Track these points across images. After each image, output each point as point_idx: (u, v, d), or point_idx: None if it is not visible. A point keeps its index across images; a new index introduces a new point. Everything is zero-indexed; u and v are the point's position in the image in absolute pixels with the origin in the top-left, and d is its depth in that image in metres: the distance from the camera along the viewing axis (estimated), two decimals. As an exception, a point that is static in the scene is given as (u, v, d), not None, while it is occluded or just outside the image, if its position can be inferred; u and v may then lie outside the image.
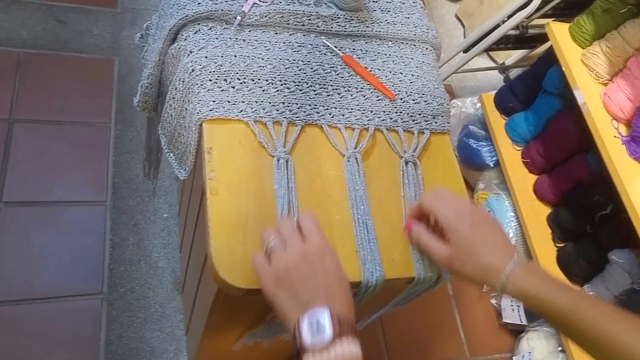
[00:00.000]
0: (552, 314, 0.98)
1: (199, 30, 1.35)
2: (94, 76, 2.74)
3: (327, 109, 1.34)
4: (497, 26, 2.70)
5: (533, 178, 2.77)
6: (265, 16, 1.39)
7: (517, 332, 2.66)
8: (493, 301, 2.76)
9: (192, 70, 1.27)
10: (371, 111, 1.37)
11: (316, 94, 1.34)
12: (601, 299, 0.97)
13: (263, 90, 1.30)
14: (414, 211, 1.21)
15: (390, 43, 1.52)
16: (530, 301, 1.00)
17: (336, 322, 0.89)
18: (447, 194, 1.15)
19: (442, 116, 1.46)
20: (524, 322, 2.57)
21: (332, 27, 1.45)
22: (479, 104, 3.05)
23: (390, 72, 1.45)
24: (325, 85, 1.36)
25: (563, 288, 0.99)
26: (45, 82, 2.64)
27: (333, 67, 1.39)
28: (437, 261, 1.13)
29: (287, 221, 1.04)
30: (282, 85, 1.32)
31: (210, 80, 1.26)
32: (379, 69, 1.44)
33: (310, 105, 1.32)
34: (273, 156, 1.23)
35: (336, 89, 1.37)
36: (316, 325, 0.89)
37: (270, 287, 0.97)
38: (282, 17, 1.40)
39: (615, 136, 2.17)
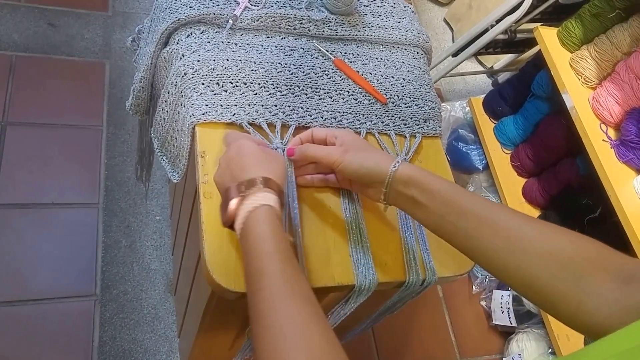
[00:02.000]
0: (436, 200, 1.00)
1: (191, 33, 1.35)
2: (85, 79, 2.75)
3: (320, 113, 1.34)
4: (485, 30, 2.71)
5: (522, 181, 2.78)
6: (257, 20, 1.40)
7: (506, 333, 2.67)
8: (483, 303, 2.77)
9: (185, 74, 1.28)
10: (363, 115, 1.38)
11: (308, 98, 1.35)
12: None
13: (255, 94, 1.30)
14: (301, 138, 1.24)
15: (381, 47, 1.53)
16: (415, 186, 1.03)
17: (258, 181, 1.00)
18: None
19: (434, 120, 1.47)
20: (514, 324, 2.58)
21: (323, 31, 1.46)
22: (468, 108, 3.07)
23: (382, 76, 1.46)
24: (317, 89, 1.37)
25: (443, 178, 1.04)
26: (37, 85, 2.64)
27: (325, 71, 1.40)
28: (331, 154, 1.13)
29: None
30: (274, 88, 1.32)
31: (203, 83, 1.27)
32: (370, 73, 1.45)
33: (302, 109, 1.33)
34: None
35: (328, 93, 1.37)
36: (246, 183, 1.00)
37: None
38: (273, 20, 1.41)
39: (604, 140, 2.18)
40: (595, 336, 0.80)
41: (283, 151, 1.23)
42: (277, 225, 0.95)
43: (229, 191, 1.00)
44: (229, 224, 1.00)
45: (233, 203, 0.98)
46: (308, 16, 1.43)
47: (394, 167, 1.04)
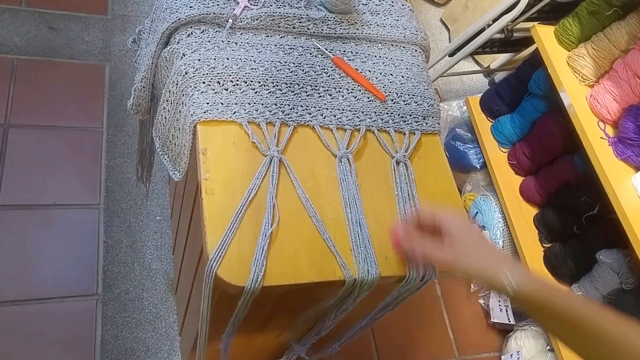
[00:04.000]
0: (557, 318, 0.98)
1: (192, 33, 1.37)
2: (85, 82, 2.76)
3: (319, 110, 1.35)
4: (482, 30, 2.72)
5: (519, 179, 2.78)
6: (257, 19, 1.41)
7: (505, 331, 2.68)
8: (481, 301, 2.78)
9: (186, 73, 1.29)
10: (362, 112, 1.39)
11: (308, 96, 1.36)
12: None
13: (255, 92, 1.31)
14: (409, 220, 1.22)
15: (380, 45, 1.54)
16: (535, 308, 1.02)
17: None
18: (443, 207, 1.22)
19: (433, 117, 1.48)
20: (512, 322, 2.59)
21: (322, 30, 1.47)
22: (465, 107, 3.07)
23: (381, 74, 1.47)
24: (316, 86, 1.38)
25: (560, 288, 1.01)
26: (38, 88, 2.65)
27: (324, 69, 1.41)
28: (440, 260, 1.14)
29: None
30: (274, 87, 1.34)
31: (204, 82, 1.28)
32: (369, 71, 1.46)
33: (302, 107, 1.34)
34: (265, 155, 1.24)
35: (327, 91, 1.38)
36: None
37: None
38: (273, 20, 1.42)
39: (601, 137, 2.19)
40: None
41: (279, 160, 1.25)
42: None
43: None
44: None
45: None
46: (307, 15, 1.45)
47: (510, 287, 1.02)
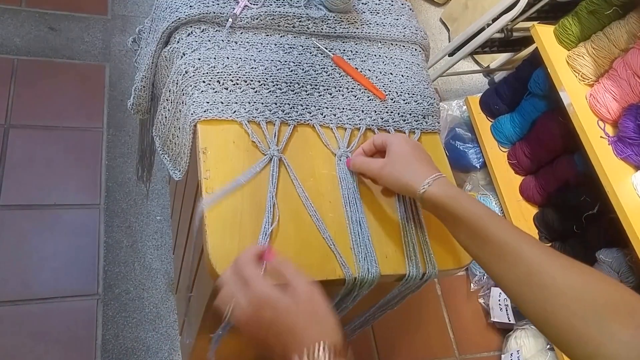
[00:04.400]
0: (462, 224, 1.03)
1: (192, 32, 1.37)
2: (85, 82, 2.76)
3: (319, 109, 1.36)
4: (481, 30, 2.72)
5: (519, 179, 2.79)
6: (257, 18, 1.41)
7: (505, 330, 2.68)
8: (481, 300, 2.78)
9: (186, 72, 1.29)
10: (362, 111, 1.39)
11: (308, 95, 1.36)
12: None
13: (255, 92, 1.31)
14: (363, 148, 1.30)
15: (379, 44, 1.54)
16: (442, 209, 1.07)
17: (332, 351, 0.87)
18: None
19: (432, 116, 1.48)
20: (512, 321, 2.59)
21: (322, 29, 1.47)
22: (464, 107, 3.08)
23: (381, 73, 1.47)
24: (316, 85, 1.38)
25: (477, 200, 1.06)
26: (38, 88, 2.66)
27: (324, 68, 1.41)
28: (371, 169, 1.22)
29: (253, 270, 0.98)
30: (274, 86, 1.34)
31: (204, 81, 1.28)
32: (369, 70, 1.47)
33: (302, 106, 1.34)
34: (265, 154, 1.24)
35: (327, 90, 1.39)
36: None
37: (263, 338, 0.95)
38: (272, 19, 1.42)
39: (601, 136, 2.19)
40: None
41: (279, 159, 1.25)
42: None
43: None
44: None
45: None
46: (307, 14, 1.45)
47: (423, 188, 1.08)
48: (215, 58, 1.31)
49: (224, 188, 1.17)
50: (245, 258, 0.99)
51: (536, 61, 2.61)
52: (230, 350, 1.64)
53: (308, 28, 1.46)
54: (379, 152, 1.27)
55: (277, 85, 1.34)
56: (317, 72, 1.40)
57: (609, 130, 2.22)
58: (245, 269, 0.96)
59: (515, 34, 2.81)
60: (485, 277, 2.72)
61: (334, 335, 0.92)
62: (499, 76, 3.45)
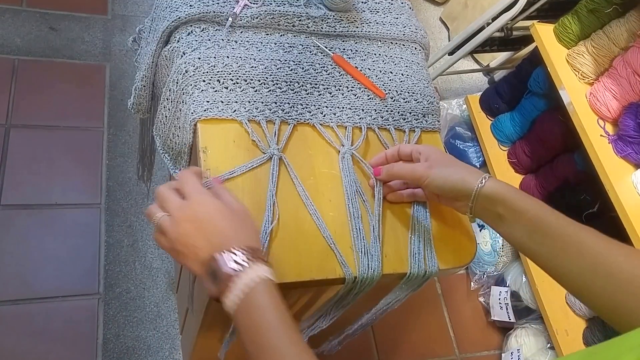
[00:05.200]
0: (522, 218, 1.02)
1: (192, 32, 1.37)
2: (86, 82, 2.77)
3: (319, 109, 1.36)
4: (481, 29, 2.73)
5: (519, 178, 2.79)
6: (256, 17, 1.41)
7: (505, 329, 2.69)
8: (481, 299, 2.78)
9: (186, 72, 1.29)
10: (362, 110, 1.39)
11: (307, 94, 1.36)
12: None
13: (255, 91, 1.31)
14: (387, 155, 1.29)
15: (379, 43, 1.55)
16: (502, 203, 1.05)
17: (248, 251, 0.93)
18: None
19: (432, 115, 1.48)
20: (513, 320, 2.59)
21: (322, 28, 1.47)
22: (464, 106, 3.08)
23: (381, 72, 1.47)
24: (316, 84, 1.38)
25: (531, 196, 1.05)
26: (39, 88, 2.66)
27: (324, 67, 1.41)
28: (417, 170, 1.18)
29: (166, 189, 1.03)
30: (274, 85, 1.34)
31: (204, 81, 1.28)
32: (369, 69, 1.47)
33: (302, 105, 1.34)
34: (265, 153, 1.24)
35: (327, 89, 1.39)
36: (228, 258, 0.92)
37: (175, 254, 1.00)
38: (272, 18, 1.42)
39: (601, 135, 2.19)
40: None
41: (279, 158, 1.25)
42: (280, 297, 0.92)
43: (216, 261, 0.93)
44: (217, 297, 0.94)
45: (227, 275, 0.91)
46: (307, 13, 1.45)
47: (481, 183, 1.07)
48: (215, 57, 1.31)
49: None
50: (188, 173, 1.05)
51: (536, 60, 2.61)
52: (231, 350, 1.65)
53: (308, 27, 1.46)
54: (403, 160, 1.27)
55: (277, 84, 1.34)
56: (317, 71, 1.40)
57: (609, 128, 2.22)
58: (187, 182, 1.02)
59: (515, 32, 2.82)
60: (485, 276, 2.72)
61: (258, 244, 1.00)
62: (498, 75, 3.45)
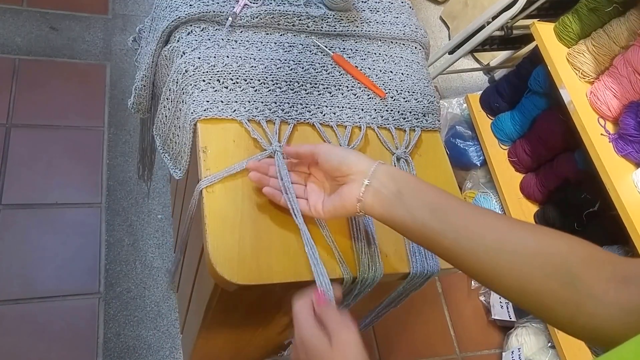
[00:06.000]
0: (423, 193, 0.98)
1: (192, 31, 1.37)
2: (86, 81, 2.77)
3: (319, 108, 1.36)
4: (481, 28, 2.73)
5: (520, 177, 2.79)
6: (256, 17, 1.41)
7: (506, 328, 2.68)
8: (482, 298, 2.78)
9: (186, 71, 1.29)
10: (362, 109, 1.40)
11: (307, 93, 1.36)
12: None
13: (255, 90, 1.31)
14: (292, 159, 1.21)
15: (379, 42, 1.55)
16: (403, 179, 1.00)
17: None
18: None
19: (433, 114, 1.48)
20: (513, 319, 2.59)
21: (322, 27, 1.47)
22: (465, 105, 3.07)
23: (380, 71, 1.47)
24: (316, 84, 1.38)
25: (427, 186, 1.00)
26: (40, 87, 2.66)
27: (324, 67, 1.41)
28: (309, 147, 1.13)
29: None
30: (274, 85, 1.34)
31: (204, 80, 1.28)
32: (369, 68, 1.47)
33: (302, 104, 1.34)
34: (265, 150, 1.24)
35: (327, 88, 1.39)
36: None
37: None
38: (272, 17, 1.42)
39: (602, 134, 2.19)
40: (594, 340, 0.79)
41: (280, 153, 1.23)
42: None
43: None
44: None
45: None
46: (306, 13, 1.45)
47: (381, 162, 1.03)
48: (215, 57, 1.31)
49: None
50: (301, 304, 0.99)
51: (536, 59, 2.61)
52: (237, 346, 1.65)
53: (308, 26, 1.46)
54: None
55: (277, 84, 1.34)
56: (317, 70, 1.40)
57: (610, 127, 2.22)
58: (299, 315, 0.97)
59: (515, 31, 2.81)
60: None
61: None
62: (499, 74, 3.45)
